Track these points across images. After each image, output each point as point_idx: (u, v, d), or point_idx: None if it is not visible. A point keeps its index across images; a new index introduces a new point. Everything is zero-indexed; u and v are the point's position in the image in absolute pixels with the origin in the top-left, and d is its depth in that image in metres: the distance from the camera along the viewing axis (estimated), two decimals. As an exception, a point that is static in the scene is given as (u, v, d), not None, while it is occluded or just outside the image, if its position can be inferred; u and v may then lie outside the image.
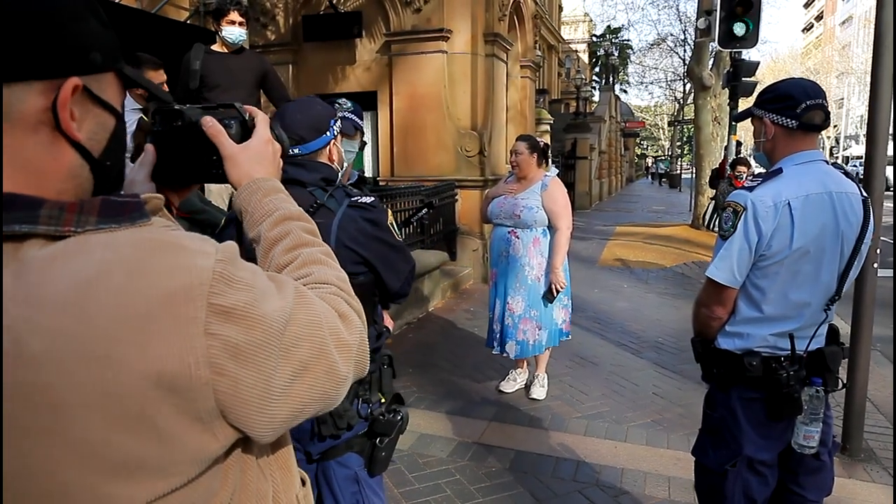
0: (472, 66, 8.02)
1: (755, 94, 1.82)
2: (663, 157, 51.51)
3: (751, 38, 8.40)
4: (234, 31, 3.94)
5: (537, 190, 4.00)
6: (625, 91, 45.77)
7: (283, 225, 0.97)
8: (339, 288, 0.92)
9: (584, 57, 41.82)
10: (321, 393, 0.78)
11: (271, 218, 0.97)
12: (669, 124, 36.01)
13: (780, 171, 1.82)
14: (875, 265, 3.36)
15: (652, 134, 62.68)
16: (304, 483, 1.01)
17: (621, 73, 43.98)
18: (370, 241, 1.72)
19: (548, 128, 14.86)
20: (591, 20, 45.03)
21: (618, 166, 31.30)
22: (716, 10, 8.67)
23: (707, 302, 1.89)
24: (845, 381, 1.94)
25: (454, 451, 3.45)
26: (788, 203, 1.74)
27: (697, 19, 10.40)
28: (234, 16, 3.94)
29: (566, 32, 39.77)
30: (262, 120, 1.02)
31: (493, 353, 4.25)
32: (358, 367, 0.86)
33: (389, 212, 1.81)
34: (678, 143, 42.92)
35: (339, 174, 1.92)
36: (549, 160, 4.19)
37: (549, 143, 4.43)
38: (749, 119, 1.97)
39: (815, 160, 1.84)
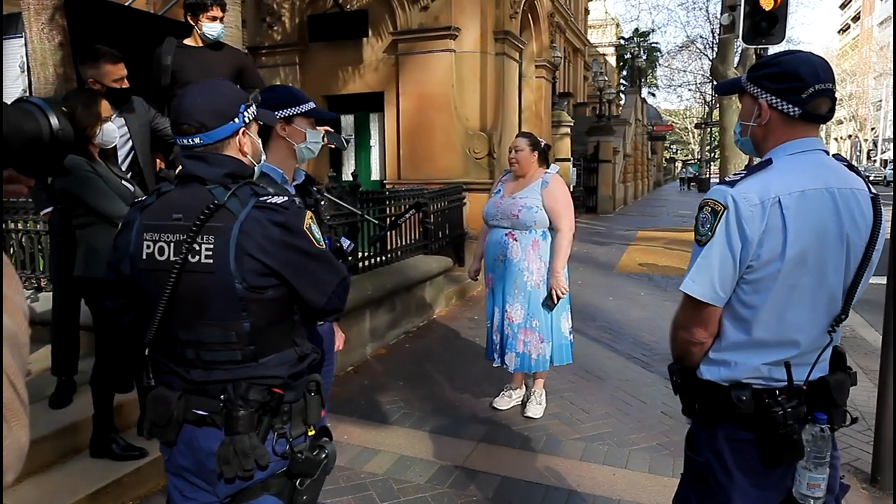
0: (482, 66, 7.76)
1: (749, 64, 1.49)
2: (692, 161, 50.46)
3: (778, 34, 7.95)
4: (215, 28, 3.74)
5: (537, 188, 3.70)
6: (653, 94, 45.07)
7: None
8: None
9: (612, 60, 41.24)
10: None
11: None
12: (696, 126, 35.24)
13: (769, 162, 1.49)
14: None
15: (681, 137, 61.53)
16: None
17: (649, 77, 43.27)
18: (280, 249, 1.45)
19: (568, 130, 14.48)
20: (619, 24, 44.39)
21: (644, 170, 30.64)
22: (740, 5, 8.25)
23: (685, 322, 1.56)
24: (854, 416, 1.58)
25: (434, 477, 3.15)
26: (779, 200, 1.41)
27: (721, 14, 9.97)
28: (216, 11, 3.73)
29: (593, 36, 39.27)
30: None
31: (494, 365, 3.94)
32: None
33: (309, 214, 1.54)
34: (707, 147, 41.97)
35: (256, 170, 1.66)
36: (549, 162, 3.88)
37: (550, 144, 4.11)
38: (739, 95, 1.63)
39: (813, 150, 1.51)
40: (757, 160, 1.59)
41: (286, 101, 2.16)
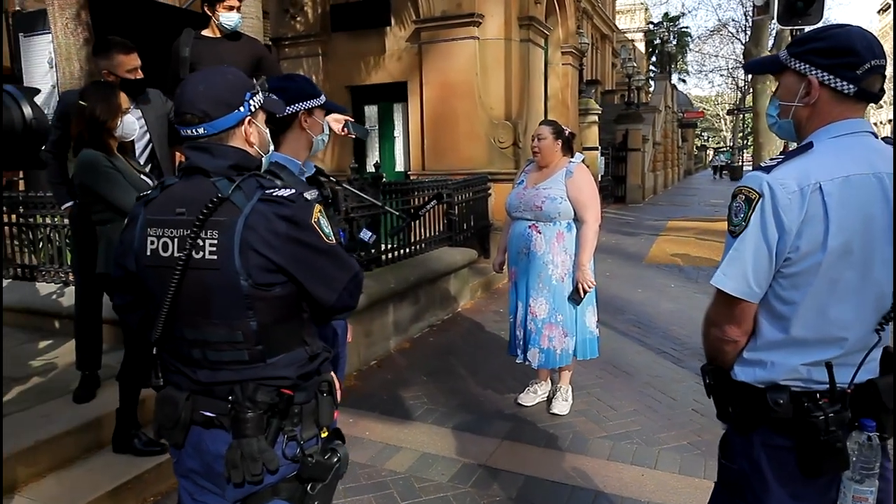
0: (506, 53, 7.61)
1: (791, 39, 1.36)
2: (724, 149, 49.40)
3: (815, 13, 7.64)
4: (232, 17, 3.70)
5: (561, 178, 3.58)
6: (683, 80, 44.17)
7: None
8: None
9: (641, 46, 40.52)
10: None
11: None
12: (728, 113, 34.46)
13: (810, 145, 1.37)
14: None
15: (713, 125, 60.26)
16: None
17: (679, 62, 42.40)
18: (286, 244, 1.38)
19: (595, 118, 14.23)
20: (648, 8, 43.56)
21: (674, 158, 30.08)
22: (775, -16, 7.96)
23: (717, 319, 1.45)
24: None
25: (456, 475, 3.08)
26: (820, 187, 1.29)
27: (754, -4, 9.65)
28: (233, 0, 3.69)
29: (622, 22, 38.59)
30: None
31: (517, 361, 3.84)
32: None
33: (318, 207, 1.46)
34: (740, 134, 41.01)
35: (264, 161, 1.59)
36: (574, 151, 3.75)
37: (574, 133, 3.98)
38: (776, 74, 1.50)
39: (860, 132, 1.38)
40: (794, 146, 1.46)
41: (309, 93, 2.13)
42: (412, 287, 5.29)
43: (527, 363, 3.74)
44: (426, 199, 6.02)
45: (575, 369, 3.98)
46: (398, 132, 8.77)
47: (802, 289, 1.34)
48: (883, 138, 1.46)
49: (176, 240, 1.39)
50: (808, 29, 8.81)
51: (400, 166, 8.83)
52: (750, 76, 24.98)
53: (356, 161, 8.77)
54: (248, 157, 1.48)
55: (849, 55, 1.34)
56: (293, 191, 1.41)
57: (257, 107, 1.49)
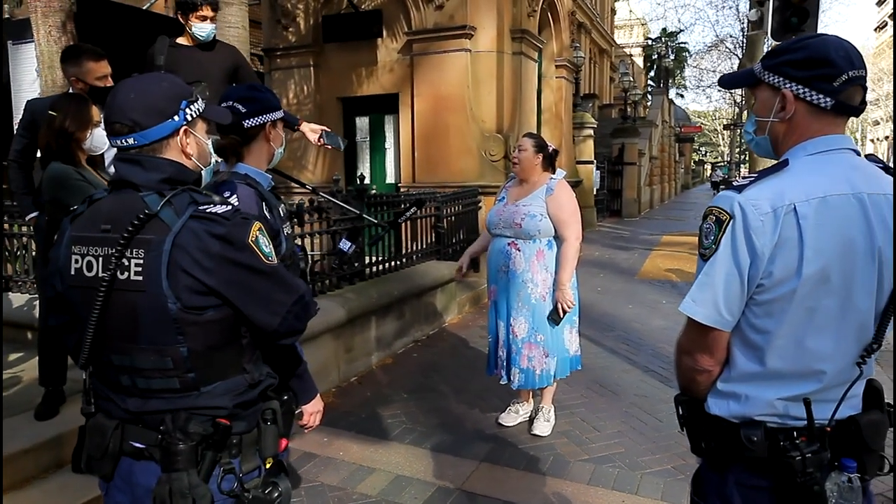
0: (498, 65, 7.56)
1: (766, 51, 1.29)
2: (722, 164, 49.49)
3: (808, 30, 7.59)
4: (205, 28, 3.61)
5: (541, 195, 3.49)
6: (681, 95, 44.36)
7: None
8: None
9: (640, 61, 40.71)
10: None
11: None
12: (725, 128, 34.54)
13: (785, 163, 1.27)
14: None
15: (710, 139, 60.46)
16: None
17: (677, 77, 42.58)
18: (220, 266, 1.27)
19: (591, 132, 14.17)
20: (646, 24, 43.82)
21: (671, 172, 30.08)
22: (769, 0, 7.95)
23: (689, 348, 1.36)
24: (893, 463, 1.35)
25: (430, 500, 2.96)
26: (794, 208, 1.20)
27: (749, 10, 9.63)
28: (206, 11, 3.60)
29: (620, 37, 38.79)
30: None
31: (501, 382, 3.73)
32: None
33: (257, 225, 1.36)
34: (737, 149, 41.09)
35: (205, 174, 1.49)
36: (556, 167, 3.66)
37: (558, 149, 3.89)
38: (751, 88, 1.41)
39: (840, 149, 1.29)
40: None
41: (275, 105, 2.06)
42: (397, 301, 5.18)
43: (508, 384, 3.63)
44: (414, 210, 5.94)
45: (559, 388, 3.87)
46: (389, 144, 8.70)
47: (777, 317, 1.24)
48: (867, 155, 1.37)
49: (100, 259, 1.29)
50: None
51: (391, 178, 8.75)
52: (743, 91, 25.08)
53: (347, 173, 8.71)
54: (184, 170, 1.38)
55: (825, 66, 1.25)
56: (228, 207, 1.31)
57: (195, 116, 1.39)
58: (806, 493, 1.24)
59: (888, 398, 1.37)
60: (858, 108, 1.29)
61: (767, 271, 1.21)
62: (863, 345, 1.28)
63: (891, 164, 1.40)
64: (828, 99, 1.26)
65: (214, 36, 3.69)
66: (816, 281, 1.21)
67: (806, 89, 1.28)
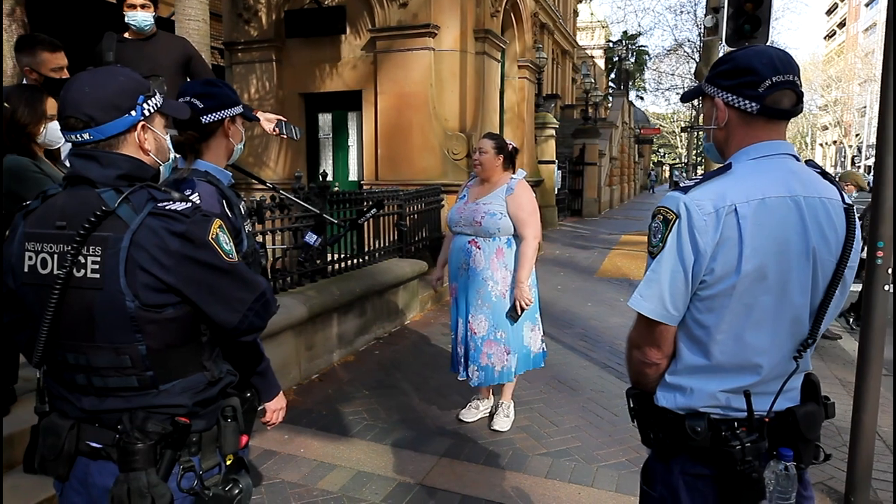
0: (462, 65, 7.60)
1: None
2: (679, 165, 50.63)
3: (760, 37, 7.86)
4: (136, 16, 3.54)
5: (501, 194, 3.55)
6: (641, 97, 45.18)
7: None
8: None
9: (601, 63, 41.28)
10: None
11: None
12: (682, 130, 35.31)
13: (728, 166, 1.35)
14: (887, 287, 2.86)
15: (669, 141, 61.77)
16: None
17: (637, 79, 43.37)
18: (180, 263, 1.27)
19: (553, 132, 14.35)
20: (607, 26, 44.46)
21: (631, 173, 30.65)
22: (724, 7, 8.18)
23: (638, 341, 1.42)
24: (827, 452, 1.43)
25: (391, 495, 2.99)
26: (735, 209, 1.27)
27: (705, 17, 9.89)
28: None
29: (583, 39, 39.25)
30: None
31: (459, 378, 3.77)
32: None
33: (218, 222, 1.36)
34: (694, 151, 42.09)
35: (163, 170, 1.49)
36: (516, 167, 3.72)
37: (518, 148, 3.95)
38: (703, 99, 1.49)
39: (779, 154, 1.36)
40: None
41: (234, 100, 2.00)
42: (358, 299, 5.18)
43: (468, 380, 3.67)
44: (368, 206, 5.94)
45: (518, 384, 3.93)
46: (352, 141, 8.66)
47: (718, 312, 1.31)
48: (807, 161, 1.45)
49: (56, 256, 1.28)
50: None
51: (353, 176, 8.72)
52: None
53: (309, 170, 8.64)
54: (142, 165, 1.37)
55: (749, 74, 1.34)
56: (188, 205, 1.31)
57: (153, 111, 1.38)
58: (745, 481, 1.31)
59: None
60: (789, 111, 1.37)
61: (710, 268, 1.28)
62: (798, 340, 1.36)
63: (828, 170, 1.48)
64: (754, 104, 1.35)
65: (157, 27, 3.61)
66: (754, 278, 1.28)
67: (733, 96, 1.37)
